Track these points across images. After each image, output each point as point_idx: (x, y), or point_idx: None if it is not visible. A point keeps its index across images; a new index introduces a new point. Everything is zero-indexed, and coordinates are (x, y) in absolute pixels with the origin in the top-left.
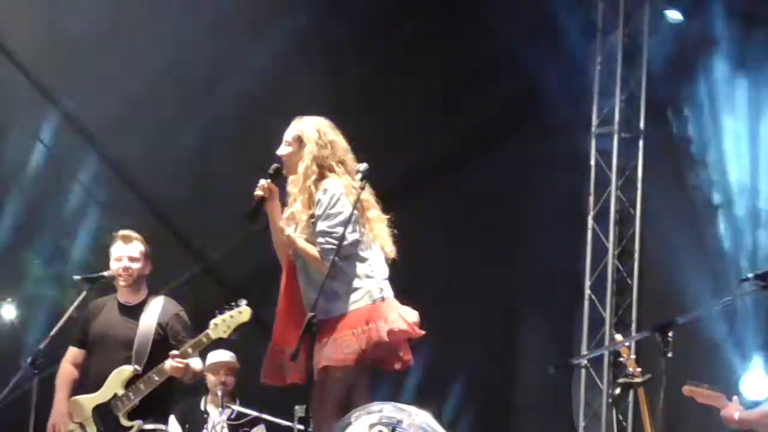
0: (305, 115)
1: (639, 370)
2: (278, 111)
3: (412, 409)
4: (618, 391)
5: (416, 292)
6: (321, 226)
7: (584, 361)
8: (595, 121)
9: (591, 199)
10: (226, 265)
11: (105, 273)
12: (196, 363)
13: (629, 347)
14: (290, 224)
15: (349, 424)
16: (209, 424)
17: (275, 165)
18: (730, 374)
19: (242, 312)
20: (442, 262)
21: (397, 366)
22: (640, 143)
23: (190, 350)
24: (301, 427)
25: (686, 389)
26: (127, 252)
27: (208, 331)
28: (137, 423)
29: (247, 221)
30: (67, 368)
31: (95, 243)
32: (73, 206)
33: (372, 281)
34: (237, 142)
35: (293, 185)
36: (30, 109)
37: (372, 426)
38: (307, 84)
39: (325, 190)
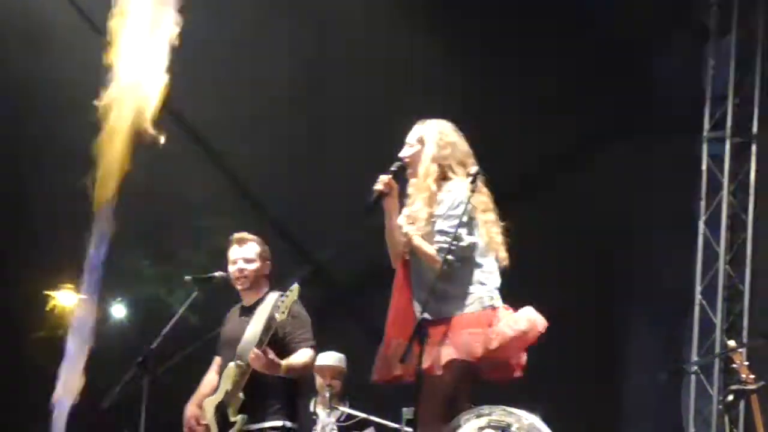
0: (423, 116)
1: (752, 376)
2: (390, 112)
3: (522, 413)
4: (730, 398)
5: (524, 298)
6: (441, 225)
7: (695, 368)
8: (707, 125)
9: (702, 204)
10: (334, 266)
11: (216, 273)
12: (298, 357)
13: (742, 353)
14: (408, 223)
15: (458, 427)
16: (318, 426)
17: (398, 163)
18: None
19: (292, 290)
20: (550, 267)
21: (517, 373)
22: (753, 148)
23: (262, 337)
24: (409, 429)
25: None
26: (242, 254)
27: (275, 314)
28: (240, 417)
29: (364, 214)
30: (209, 376)
31: (205, 244)
32: (183, 207)
33: (484, 288)
34: (347, 143)
35: (414, 188)
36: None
37: (481, 429)
38: (420, 85)
39: (449, 191)
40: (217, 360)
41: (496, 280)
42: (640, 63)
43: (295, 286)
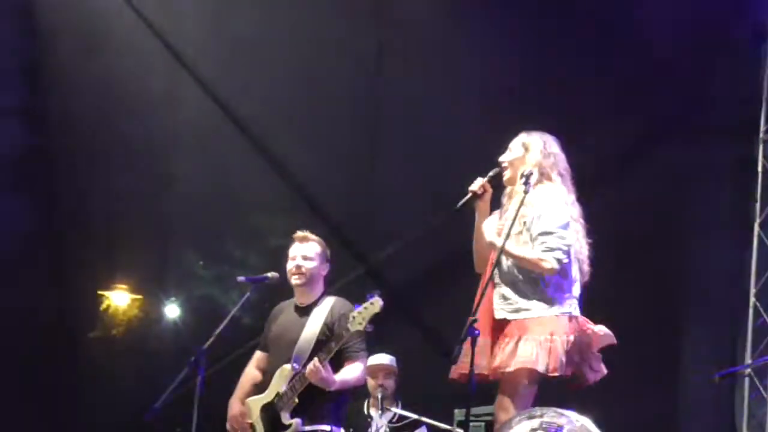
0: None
1: None
2: (446, 119)
3: (573, 415)
4: None
5: (582, 298)
6: (544, 225)
7: (748, 370)
8: (763, 126)
9: (758, 205)
10: (388, 268)
11: (269, 274)
12: (350, 371)
13: None
14: (500, 226)
15: (510, 428)
16: (372, 428)
17: (496, 168)
18: None
19: (374, 303)
20: (607, 267)
21: (590, 378)
22: None
23: (333, 345)
24: (461, 430)
25: None
26: (301, 251)
27: (348, 324)
28: (296, 421)
29: (453, 211)
30: (250, 372)
31: (260, 245)
32: (237, 209)
33: (566, 296)
34: (403, 146)
35: (509, 197)
36: (197, 114)
37: (533, 430)
38: (465, 86)
39: (547, 192)
40: (258, 355)
41: (577, 290)
42: (698, 62)
43: (377, 300)
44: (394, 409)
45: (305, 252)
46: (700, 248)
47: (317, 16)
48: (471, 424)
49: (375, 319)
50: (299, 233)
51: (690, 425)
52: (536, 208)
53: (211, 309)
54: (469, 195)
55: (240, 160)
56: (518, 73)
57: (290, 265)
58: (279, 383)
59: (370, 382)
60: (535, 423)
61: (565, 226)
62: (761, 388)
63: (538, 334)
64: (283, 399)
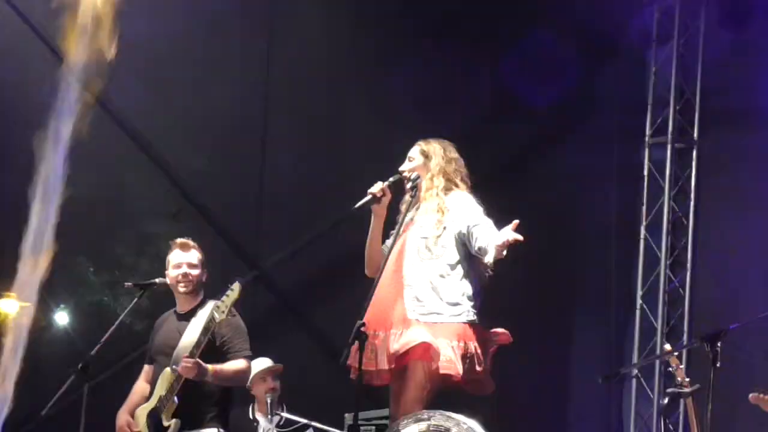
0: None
1: (688, 380)
2: (336, 122)
3: (461, 418)
4: (666, 401)
5: None
6: (477, 219)
7: (635, 371)
8: (648, 130)
9: (644, 209)
10: (278, 273)
11: (157, 280)
12: (230, 365)
13: (679, 357)
14: (419, 228)
15: (398, 431)
16: None
17: (397, 174)
18: None
19: (233, 289)
20: (494, 275)
21: (489, 390)
22: (694, 153)
23: (201, 338)
24: None
25: (752, 397)
26: (186, 259)
27: (215, 314)
28: (174, 422)
29: (353, 210)
30: (140, 385)
31: (151, 251)
32: (126, 214)
33: (473, 302)
34: (291, 152)
35: (409, 205)
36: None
37: None
38: (355, 91)
39: (460, 197)
40: (146, 369)
41: (479, 298)
42: (585, 68)
43: (237, 285)
44: (282, 413)
45: (190, 259)
46: (587, 251)
47: (207, 20)
48: (361, 428)
49: (261, 320)
50: (180, 240)
51: (579, 426)
52: (454, 211)
53: (102, 315)
54: (368, 197)
55: (129, 165)
56: (408, 77)
57: (175, 273)
58: (161, 387)
59: (259, 387)
60: (422, 426)
61: (490, 222)
62: (648, 389)
63: (444, 337)
64: (163, 402)
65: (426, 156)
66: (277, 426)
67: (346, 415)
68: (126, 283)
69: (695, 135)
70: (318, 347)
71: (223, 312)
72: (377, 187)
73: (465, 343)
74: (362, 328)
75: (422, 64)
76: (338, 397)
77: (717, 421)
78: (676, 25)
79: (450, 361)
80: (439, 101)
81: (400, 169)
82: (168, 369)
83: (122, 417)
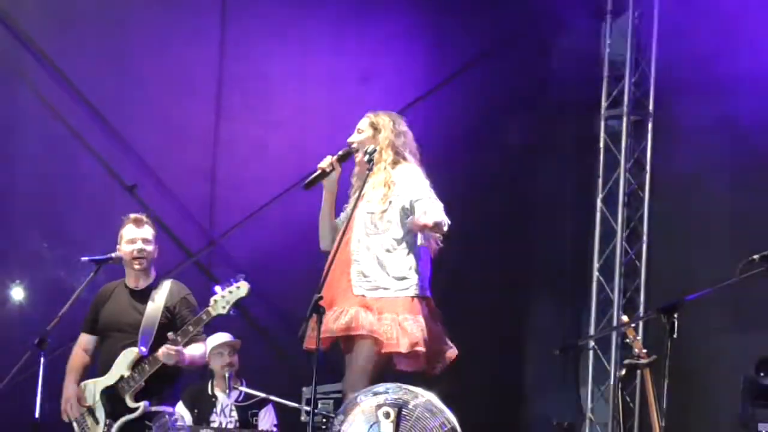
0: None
1: (645, 351)
2: (291, 96)
3: (418, 390)
4: (623, 372)
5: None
6: (419, 194)
7: (591, 343)
8: (604, 102)
9: (600, 181)
10: (232, 245)
11: (113, 255)
12: (196, 349)
13: (635, 329)
14: (366, 203)
15: (356, 404)
16: (218, 408)
17: (346, 148)
18: (735, 357)
19: (240, 287)
20: (451, 245)
21: (437, 370)
22: (650, 125)
23: (191, 328)
24: (308, 408)
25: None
26: (141, 234)
27: (209, 308)
28: (143, 404)
29: (303, 188)
30: (79, 353)
31: (105, 226)
32: (81, 188)
33: (421, 276)
34: (247, 124)
35: (359, 177)
36: (42, 86)
37: (379, 407)
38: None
39: (407, 170)
40: (86, 338)
41: (429, 271)
42: (540, 41)
43: (244, 284)
44: (241, 388)
45: (144, 235)
46: (543, 223)
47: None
48: (319, 401)
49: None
50: (134, 215)
51: (536, 397)
52: (400, 185)
53: (57, 290)
54: (318, 172)
55: (83, 138)
56: (360, 54)
57: (129, 248)
58: (123, 366)
59: (218, 361)
60: (380, 399)
61: (433, 197)
62: (604, 361)
63: (389, 312)
64: (128, 382)
65: (375, 128)
66: (237, 401)
67: (304, 388)
68: (82, 258)
69: (651, 107)
70: (274, 320)
71: (223, 308)
72: (326, 162)
73: (412, 316)
74: (320, 302)
75: (373, 36)
76: (296, 371)
77: (673, 391)
78: None
79: (393, 338)
80: (391, 73)
81: (349, 140)
82: (135, 349)
83: (69, 388)
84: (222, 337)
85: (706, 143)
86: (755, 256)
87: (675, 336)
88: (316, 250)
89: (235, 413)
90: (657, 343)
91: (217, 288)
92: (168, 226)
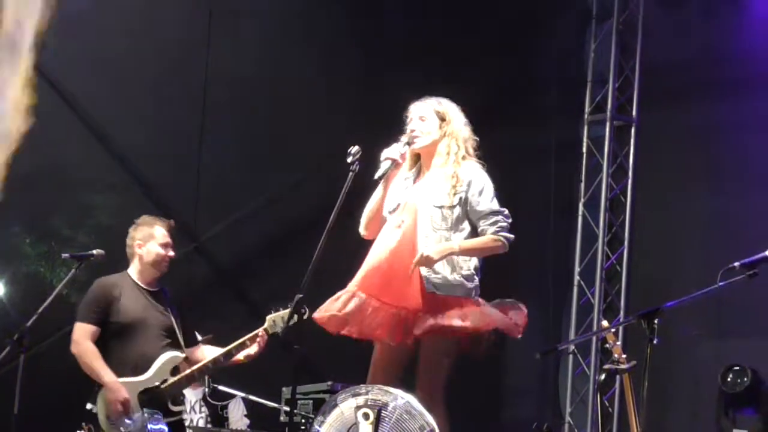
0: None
1: (624, 356)
2: (271, 96)
3: (398, 392)
4: (603, 377)
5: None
6: (491, 204)
7: (571, 347)
8: (588, 107)
9: (582, 186)
10: (216, 246)
11: (94, 252)
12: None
13: (616, 333)
14: (433, 197)
15: (335, 406)
16: (187, 405)
17: (410, 134)
18: (714, 363)
19: (303, 314)
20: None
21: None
22: (633, 130)
23: (248, 342)
24: (287, 408)
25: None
26: (170, 240)
27: (266, 326)
28: (183, 407)
29: (376, 179)
30: (93, 347)
31: (88, 223)
32: (64, 185)
33: (478, 278)
34: (233, 120)
35: (418, 168)
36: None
37: (358, 408)
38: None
39: (477, 173)
40: (93, 329)
41: (481, 272)
42: (525, 45)
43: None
44: (216, 386)
45: (171, 241)
46: (526, 227)
47: None
48: (299, 401)
49: (198, 292)
50: (164, 219)
51: (516, 401)
52: (474, 185)
53: (38, 287)
54: (389, 163)
55: (67, 135)
56: (350, 54)
57: (162, 251)
58: (166, 371)
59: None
60: (360, 400)
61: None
62: (584, 365)
63: (454, 312)
64: (175, 387)
65: (441, 118)
66: (205, 398)
67: (284, 389)
68: (63, 255)
69: (634, 112)
70: (255, 321)
71: (280, 327)
72: (395, 152)
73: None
74: (303, 305)
75: (361, 42)
76: (276, 371)
77: (653, 397)
78: (616, 3)
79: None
80: (378, 74)
81: (411, 127)
82: (180, 355)
83: (123, 390)
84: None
85: (688, 149)
86: (736, 264)
87: (655, 342)
88: (301, 251)
89: (205, 408)
90: (637, 348)
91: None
92: None
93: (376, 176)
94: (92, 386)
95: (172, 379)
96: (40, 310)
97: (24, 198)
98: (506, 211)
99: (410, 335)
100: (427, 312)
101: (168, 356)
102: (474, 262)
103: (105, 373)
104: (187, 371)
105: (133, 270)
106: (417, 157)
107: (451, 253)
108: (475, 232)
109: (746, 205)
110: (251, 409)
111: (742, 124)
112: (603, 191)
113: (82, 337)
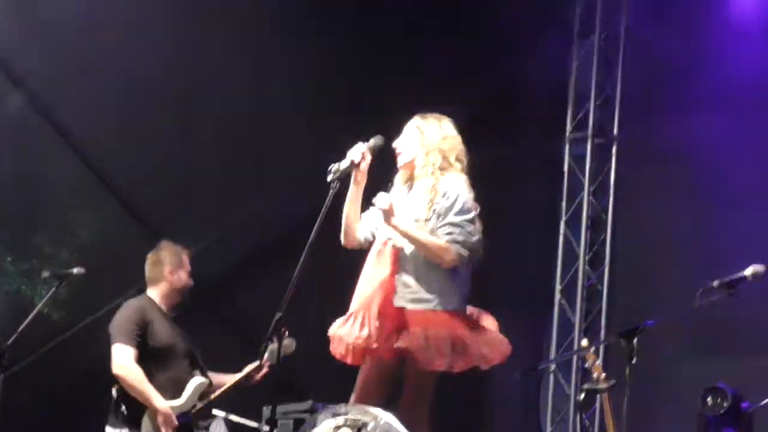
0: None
1: (604, 375)
2: (258, 111)
3: (378, 411)
4: (582, 396)
5: None
6: (453, 217)
7: (552, 366)
8: (569, 126)
9: (563, 204)
10: (201, 261)
11: (75, 270)
12: None
13: (596, 353)
14: (412, 209)
15: (314, 426)
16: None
17: (379, 137)
18: (694, 383)
19: (290, 346)
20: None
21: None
22: (614, 149)
23: (255, 375)
24: (267, 428)
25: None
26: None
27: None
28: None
29: (329, 181)
30: (139, 369)
31: (70, 240)
32: (45, 202)
33: (457, 291)
34: (213, 138)
35: (405, 181)
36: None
37: (337, 428)
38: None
39: (452, 184)
40: (135, 352)
41: (467, 285)
42: (508, 63)
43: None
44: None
45: None
46: (507, 245)
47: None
48: (279, 421)
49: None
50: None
51: (497, 421)
52: (446, 198)
53: (18, 305)
54: (348, 163)
55: (49, 152)
56: (331, 72)
57: (187, 280)
58: (196, 395)
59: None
60: (339, 420)
61: (473, 221)
62: (565, 385)
63: (437, 329)
64: (201, 413)
65: (420, 131)
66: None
67: (264, 408)
68: (43, 273)
69: (615, 131)
70: (235, 338)
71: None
72: (357, 152)
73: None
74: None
75: (343, 61)
76: (256, 390)
77: (632, 416)
78: (598, 21)
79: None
80: (360, 92)
81: (394, 144)
82: (205, 381)
83: (174, 417)
84: None
85: (669, 167)
86: (714, 283)
87: (634, 361)
88: (275, 267)
89: None
90: (618, 367)
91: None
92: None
93: (331, 171)
94: (102, 408)
95: (200, 404)
96: (20, 328)
97: (4, 215)
98: (471, 228)
99: (391, 351)
100: (408, 327)
101: (197, 381)
102: (452, 275)
103: (156, 398)
104: (213, 395)
105: (156, 294)
106: (409, 173)
107: (406, 233)
108: None
109: (727, 223)
110: (232, 429)
111: (724, 142)
112: (584, 210)
113: (128, 359)
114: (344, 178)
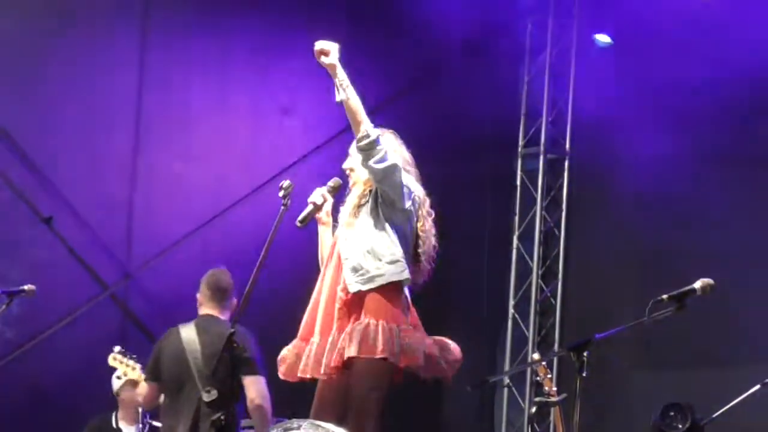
0: None
1: (555, 389)
2: (209, 129)
3: (330, 427)
4: (534, 410)
5: None
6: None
7: (506, 380)
8: (521, 141)
9: (516, 219)
10: (149, 279)
11: (25, 287)
12: None
13: (547, 366)
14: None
15: None
16: None
17: (336, 179)
18: (646, 395)
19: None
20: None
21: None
22: (566, 164)
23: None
24: None
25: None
26: None
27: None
28: None
29: (297, 225)
30: None
31: (20, 257)
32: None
33: (405, 258)
34: (169, 156)
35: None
36: None
37: None
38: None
39: None
40: None
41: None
42: (460, 79)
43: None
44: (148, 422)
45: None
46: (461, 260)
47: (73, 10)
48: None
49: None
50: None
51: None
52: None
53: None
54: (310, 207)
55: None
56: (281, 86)
57: None
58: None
59: (128, 395)
60: None
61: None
62: (519, 398)
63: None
64: None
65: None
66: None
67: (243, 421)
68: None
69: (567, 146)
70: None
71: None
72: (317, 195)
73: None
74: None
75: (295, 69)
76: None
77: (584, 429)
78: (549, 37)
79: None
80: (312, 106)
81: (344, 166)
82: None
83: None
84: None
85: (620, 182)
86: (664, 296)
87: (585, 374)
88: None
89: None
90: (571, 380)
91: None
92: (83, 259)
93: (297, 221)
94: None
95: None
96: None
97: None
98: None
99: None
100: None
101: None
102: (396, 245)
103: None
104: None
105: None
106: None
107: (342, 82)
108: (389, 213)
109: (677, 238)
110: None
111: (673, 158)
112: (537, 224)
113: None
114: (309, 223)
